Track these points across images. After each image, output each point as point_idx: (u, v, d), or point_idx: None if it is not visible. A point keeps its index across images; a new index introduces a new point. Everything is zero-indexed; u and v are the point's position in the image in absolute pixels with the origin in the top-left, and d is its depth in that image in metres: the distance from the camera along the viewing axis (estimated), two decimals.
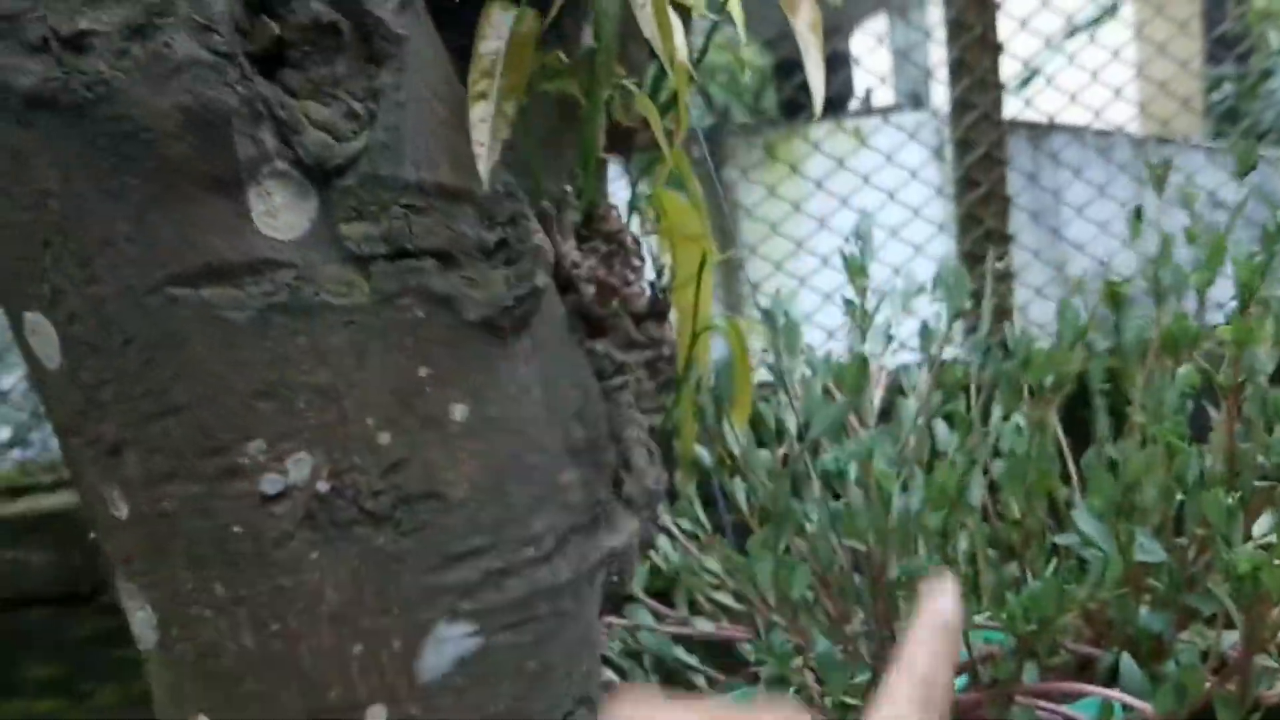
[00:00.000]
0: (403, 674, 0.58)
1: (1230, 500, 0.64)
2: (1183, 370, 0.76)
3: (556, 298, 0.66)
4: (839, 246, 0.93)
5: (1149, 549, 0.69)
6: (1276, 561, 0.57)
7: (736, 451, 0.83)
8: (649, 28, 0.59)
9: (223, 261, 0.54)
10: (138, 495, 0.57)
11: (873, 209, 1.93)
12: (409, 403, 0.58)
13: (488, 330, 0.60)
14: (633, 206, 0.80)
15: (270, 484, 0.56)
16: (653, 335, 0.69)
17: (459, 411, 0.60)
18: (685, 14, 0.70)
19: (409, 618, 0.58)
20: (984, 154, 1.99)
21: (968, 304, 0.86)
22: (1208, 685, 0.62)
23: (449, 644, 0.59)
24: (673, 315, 0.76)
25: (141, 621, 0.59)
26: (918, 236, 1.95)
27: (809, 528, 0.75)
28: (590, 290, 0.67)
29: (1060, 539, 0.78)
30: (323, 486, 0.57)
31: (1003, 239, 2.05)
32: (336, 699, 0.57)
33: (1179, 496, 0.72)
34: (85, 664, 1.73)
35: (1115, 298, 0.80)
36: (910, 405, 0.85)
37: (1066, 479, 0.86)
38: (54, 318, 0.56)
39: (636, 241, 0.71)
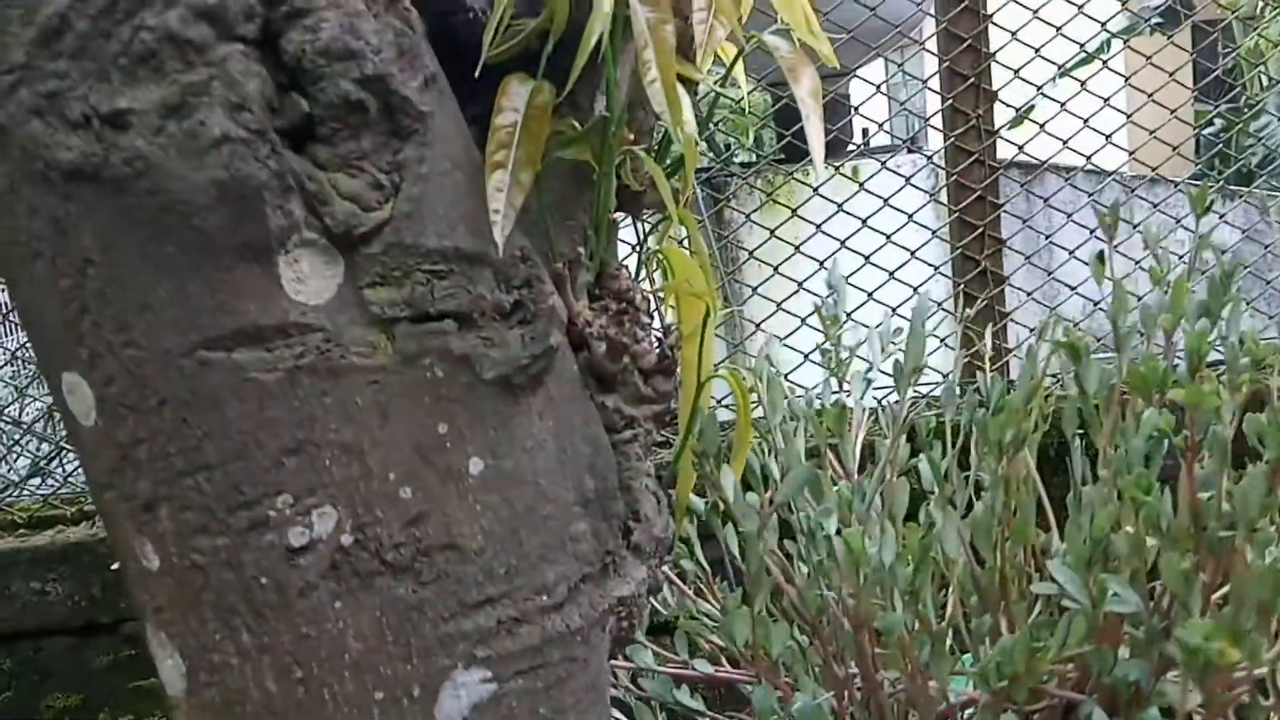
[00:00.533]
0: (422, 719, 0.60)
1: (1186, 564, 0.66)
2: (1147, 415, 0.79)
3: (570, 355, 0.69)
4: (815, 301, 0.96)
5: (1124, 599, 0.72)
6: (1223, 644, 0.58)
7: (730, 499, 0.85)
8: (659, 103, 0.62)
9: (254, 326, 0.57)
10: (169, 548, 0.59)
11: (870, 249, 1.96)
12: (429, 458, 0.61)
13: (504, 388, 0.63)
14: (640, 263, 0.83)
15: (296, 537, 0.59)
16: (660, 390, 0.72)
17: (476, 466, 0.62)
18: (691, 85, 0.74)
19: (428, 665, 0.60)
20: (977, 196, 2.02)
21: (926, 359, 0.89)
22: None
23: (465, 690, 0.61)
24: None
25: (170, 669, 0.61)
26: (915, 277, 1.98)
27: (796, 578, 0.78)
28: (601, 348, 0.70)
29: (1037, 588, 0.81)
30: (346, 539, 0.59)
31: (996, 279, 2.08)
32: None
33: (1150, 543, 0.75)
34: (104, 693, 1.76)
35: (1074, 350, 0.82)
36: (881, 456, 0.87)
37: (1045, 524, 0.88)
38: (91, 379, 0.58)
39: (645, 299, 0.74)
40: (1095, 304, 2.00)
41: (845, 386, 0.97)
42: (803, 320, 1.83)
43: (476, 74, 0.63)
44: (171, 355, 0.57)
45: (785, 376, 0.93)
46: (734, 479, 0.94)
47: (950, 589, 0.84)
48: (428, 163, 0.60)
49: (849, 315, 0.99)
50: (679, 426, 0.83)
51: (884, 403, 1.62)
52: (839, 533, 0.77)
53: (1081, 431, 0.88)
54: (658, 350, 0.72)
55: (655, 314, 0.77)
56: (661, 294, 0.81)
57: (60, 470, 2.03)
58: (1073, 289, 2.14)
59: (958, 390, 0.95)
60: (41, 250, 0.57)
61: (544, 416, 0.66)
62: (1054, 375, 0.92)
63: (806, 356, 1.80)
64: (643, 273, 0.83)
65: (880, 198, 1.99)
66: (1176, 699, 0.64)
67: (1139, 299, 0.92)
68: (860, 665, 0.78)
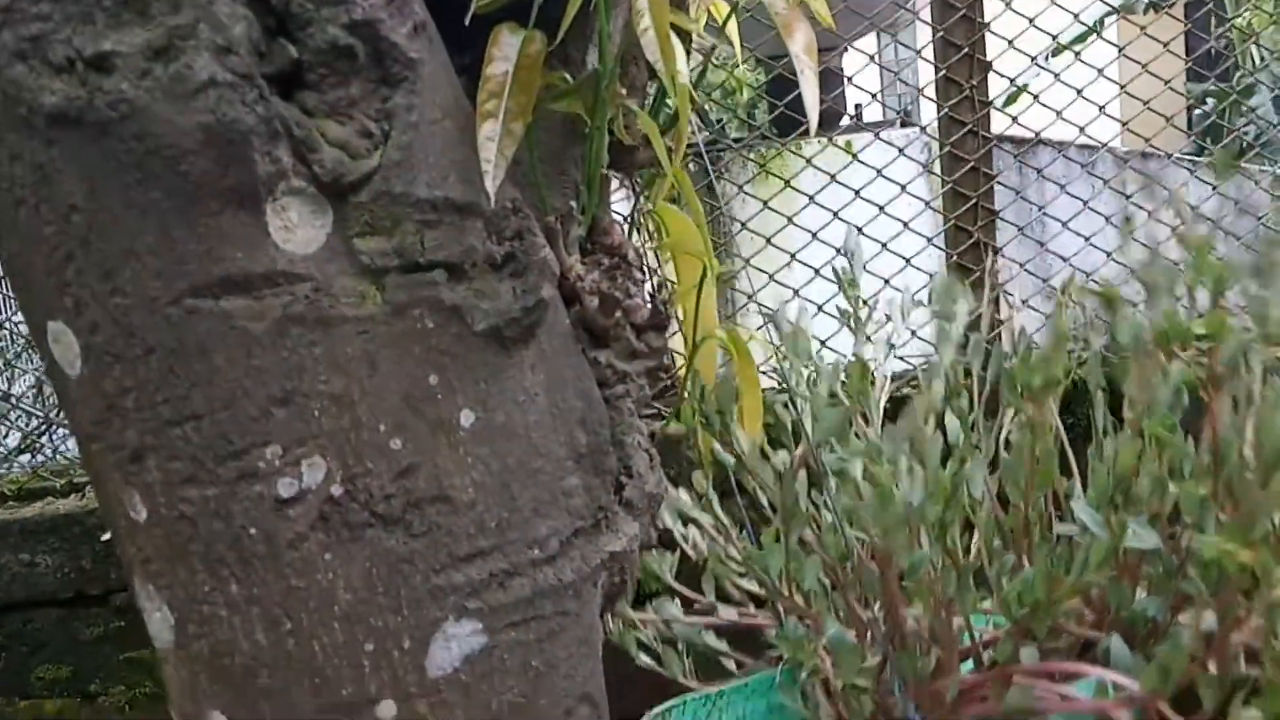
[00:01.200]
0: (412, 671, 0.60)
1: (1204, 490, 0.66)
2: (1175, 365, 0.79)
3: (562, 309, 0.68)
4: (829, 261, 0.95)
5: (1142, 535, 0.72)
6: (1240, 547, 0.59)
7: (744, 455, 0.85)
8: (653, 52, 0.61)
9: (242, 274, 0.56)
10: (157, 499, 0.59)
11: (863, 222, 1.96)
12: (419, 409, 0.60)
13: (495, 340, 0.63)
14: (634, 221, 0.83)
15: (285, 487, 0.58)
16: (653, 345, 0.72)
17: (467, 418, 0.62)
18: (685, 37, 0.73)
19: (418, 616, 0.60)
20: (971, 168, 2.02)
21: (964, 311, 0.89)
22: (1191, 665, 0.65)
23: (456, 642, 0.61)
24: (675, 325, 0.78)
25: (158, 621, 0.61)
26: (907, 249, 1.98)
27: (821, 523, 0.78)
28: (594, 302, 0.69)
29: (1060, 529, 0.81)
30: (336, 490, 0.59)
31: (990, 251, 2.08)
32: (348, 695, 0.59)
33: (1172, 488, 0.75)
34: (94, 664, 1.75)
35: (1110, 301, 0.82)
36: (915, 405, 0.87)
37: (1068, 472, 0.88)
38: (76, 327, 0.58)
39: (638, 255, 0.74)
40: (1087, 275, 2.00)
41: (869, 345, 0.97)
42: (816, 271, 1.82)
43: (466, 22, 0.62)
44: (158, 303, 0.56)
45: (805, 330, 0.93)
46: (751, 436, 0.94)
47: (975, 532, 0.84)
48: (417, 111, 0.59)
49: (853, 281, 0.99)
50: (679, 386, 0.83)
51: (907, 359, 1.62)
52: (866, 475, 0.77)
53: (1103, 384, 0.88)
54: (650, 305, 0.72)
55: (647, 270, 0.76)
56: (655, 252, 0.81)
57: (49, 443, 2.02)
58: (1065, 260, 2.13)
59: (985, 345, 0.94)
60: (24, 197, 0.57)
61: (536, 370, 0.65)
62: (1075, 333, 0.92)
63: (820, 307, 1.79)
64: (635, 235, 0.82)
65: (873, 168, 1.98)
66: (1190, 631, 0.64)
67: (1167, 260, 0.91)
68: (886, 603, 0.78)
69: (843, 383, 0.89)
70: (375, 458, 0.59)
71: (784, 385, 0.90)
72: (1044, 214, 2.11)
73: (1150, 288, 0.91)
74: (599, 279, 0.70)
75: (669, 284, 0.74)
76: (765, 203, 1.96)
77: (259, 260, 0.57)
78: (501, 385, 0.63)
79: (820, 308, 1.78)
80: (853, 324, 0.92)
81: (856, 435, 0.89)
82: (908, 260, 1.98)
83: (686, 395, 0.84)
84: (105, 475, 0.60)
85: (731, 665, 1.03)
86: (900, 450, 0.84)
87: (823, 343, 1.71)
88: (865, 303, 0.99)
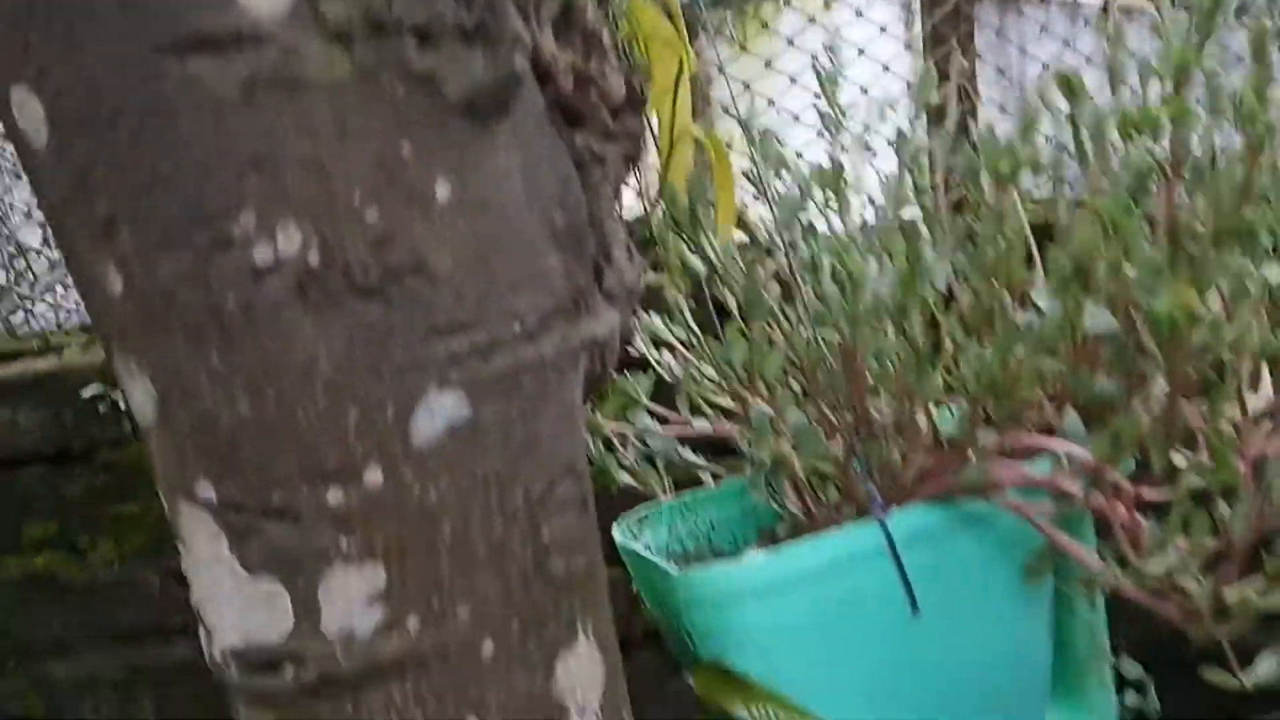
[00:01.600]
0: (398, 438, 0.60)
1: (1159, 258, 0.67)
2: (1134, 150, 0.79)
3: (535, 88, 0.67)
4: (811, 63, 0.94)
5: (1096, 315, 0.72)
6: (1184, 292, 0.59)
7: (716, 258, 0.85)
8: None
9: (208, 33, 0.55)
10: (133, 268, 0.58)
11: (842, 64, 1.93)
12: (394, 178, 0.60)
13: (468, 111, 0.62)
14: (608, 13, 0.81)
15: (261, 255, 0.58)
16: (629, 127, 0.71)
17: (442, 190, 0.61)
18: None
19: (401, 385, 0.60)
20: (952, 9, 1.99)
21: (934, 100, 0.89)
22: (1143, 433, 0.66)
23: (440, 411, 0.61)
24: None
25: (141, 396, 0.61)
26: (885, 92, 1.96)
27: (785, 323, 0.79)
28: (569, 81, 0.68)
29: (1019, 318, 0.82)
30: (313, 259, 0.58)
31: (970, 95, 2.06)
32: (334, 462, 0.60)
33: (1129, 270, 0.76)
34: (80, 520, 1.77)
35: (1070, 86, 0.82)
36: (884, 195, 0.88)
37: (1030, 264, 0.89)
38: (41, 92, 0.56)
39: (613, 37, 0.72)
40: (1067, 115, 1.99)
41: (843, 151, 0.96)
42: (793, 80, 1.80)
43: None
44: (123, 64, 0.55)
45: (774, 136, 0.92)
46: (724, 236, 0.94)
47: (940, 326, 0.85)
48: None
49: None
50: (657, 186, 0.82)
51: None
52: (835, 274, 0.77)
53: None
54: (625, 86, 0.71)
55: (623, 54, 0.75)
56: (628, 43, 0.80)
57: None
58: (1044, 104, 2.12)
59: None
60: None
61: (510, 147, 0.64)
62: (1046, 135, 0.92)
63: (797, 117, 1.77)
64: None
65: (856, 10, 1.95)
66: (1143, 407, 0.66)
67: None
68: (851, 395, 0.79)
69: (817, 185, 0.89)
70: (351, 227, 0.59)
71: (755, 188, 0.90)
72: (1024, 52, 2.09)
73: (1113, 75, 0.91)
74: (573, 58, 0.69)
75: (643, 65, 0.73)
76: (743, 46, 1.94)
77: (225, 20, 0.55)
78: (476, 159, 0.62)
79: (797, 117, 1.78)
80: (831, 128, 0.91)
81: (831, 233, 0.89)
82: (885, 103, 1.96)
83: (663, 196, 0.84)
84: (78, 249, 0.60)
85: (709, 479, 1.05)
86: (870, 243, 0.84)
87: (798, 154, 1.70)
88: (843, 112, 0.98)
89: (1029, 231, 0.85)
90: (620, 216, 0.74)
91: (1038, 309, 0.76)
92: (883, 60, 1.92)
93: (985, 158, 0.83)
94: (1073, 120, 0.83)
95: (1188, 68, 0.72)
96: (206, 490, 0.61)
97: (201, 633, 0.67)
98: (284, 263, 0.58)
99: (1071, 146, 0.94)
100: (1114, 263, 0.73)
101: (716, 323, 0.96)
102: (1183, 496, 0.68)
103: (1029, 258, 0.87)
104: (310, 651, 0.62)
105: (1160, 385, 0.63)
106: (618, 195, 0.72)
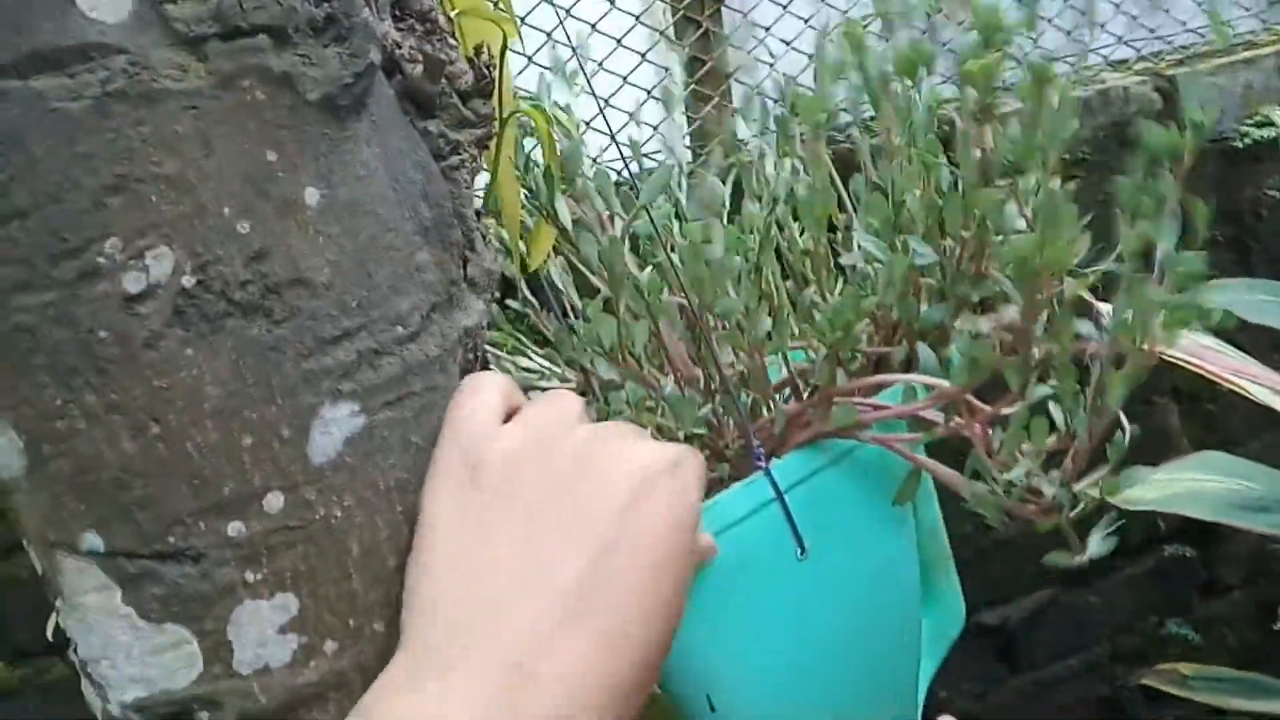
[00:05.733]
0: (296, 460, 0.58)
1: (1002, 196, 0.73)
2: (925, 89, 0.85)
3: (384, 79, 0.65)
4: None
5: (921, 252, 0.78)
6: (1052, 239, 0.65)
7: (568, 225, 0.85)
8: None
9: (51, 48, 0.51)
10: None
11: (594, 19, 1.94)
12: (263, 189, 0.57)
13: (329, 110, 0.59)
14: None
15: (133, 283, 0.54)
16: (480, 112, 0.70)
17: (312, 196, 0.59)
18: None
19: (294, 404, 0.58)
20: None
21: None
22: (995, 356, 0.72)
23: (335, 425, 0.59)
24: None
25: (5, 448, 0.56)
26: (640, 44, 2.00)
27: (642, 290, 0.80)
28: (417, 68, 0.66)
29: (845, 259, 0.87)
30: (188, 281, 0.55)
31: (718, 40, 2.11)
32: (232, 492, 0.57)
33: (940, 204, 0.81)
34: None
35: (854, 39, 0.86)
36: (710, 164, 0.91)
37: (843, 207, 0.94)
38: None
39: (449, 20, 0.71)
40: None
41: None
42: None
43: None
44: None
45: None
46: (535, 261, 0.94)
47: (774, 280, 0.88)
48: None
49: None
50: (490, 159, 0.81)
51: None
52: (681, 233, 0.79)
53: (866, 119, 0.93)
54: (473, 71, 0.69)
55: (459, 37, 0.73)
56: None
57: None
58: (788, 44, 2.20)
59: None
60: None
61: (371, 143, 0.62)
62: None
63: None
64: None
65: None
66: (978, 328, 0.71)
67: None
68: (706, 355, 0.81)
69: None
70: (224, 243, 0.56)
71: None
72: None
73: (887, 21, 0.97)
74: (416, 45, 0.67)
75: (485, 49, 0.71)
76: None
77: (68, 32, 0.51)
78: (341, 160, 0.60)
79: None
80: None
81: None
82: (643, 55, 1.99)
83: (496, 174, 0.83)
84: None
85: None
86: (706, 209, 0.87)
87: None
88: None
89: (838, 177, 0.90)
90: (477, 201, 0.72)
91: (858, 248, 0.81)
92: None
93: (803, 110, 0.86)
94: (862, 68, 0.88)
95: (994, 25, 0.77)
96: (92, 540, 0.57)
97: (88, 689, 0.62)
98: (157, 288, 0.54)
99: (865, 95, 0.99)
100: (928, 202, 0.79)
101: (551, 298, 0.96)
102: (1024, 408, 0.74)
103: (840, 203, 0.92)
104: (225, 693, 0.59)
105: (1011, 311, 0.68)
106: (473, 181, 0.71)
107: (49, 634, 0.63)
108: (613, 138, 1.07)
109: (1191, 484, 1.57)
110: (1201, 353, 1.54)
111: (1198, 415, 2.52)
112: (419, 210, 0.65)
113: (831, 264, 0.94)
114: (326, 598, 0.60)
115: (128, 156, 0.53)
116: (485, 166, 0.82)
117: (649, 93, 2.03)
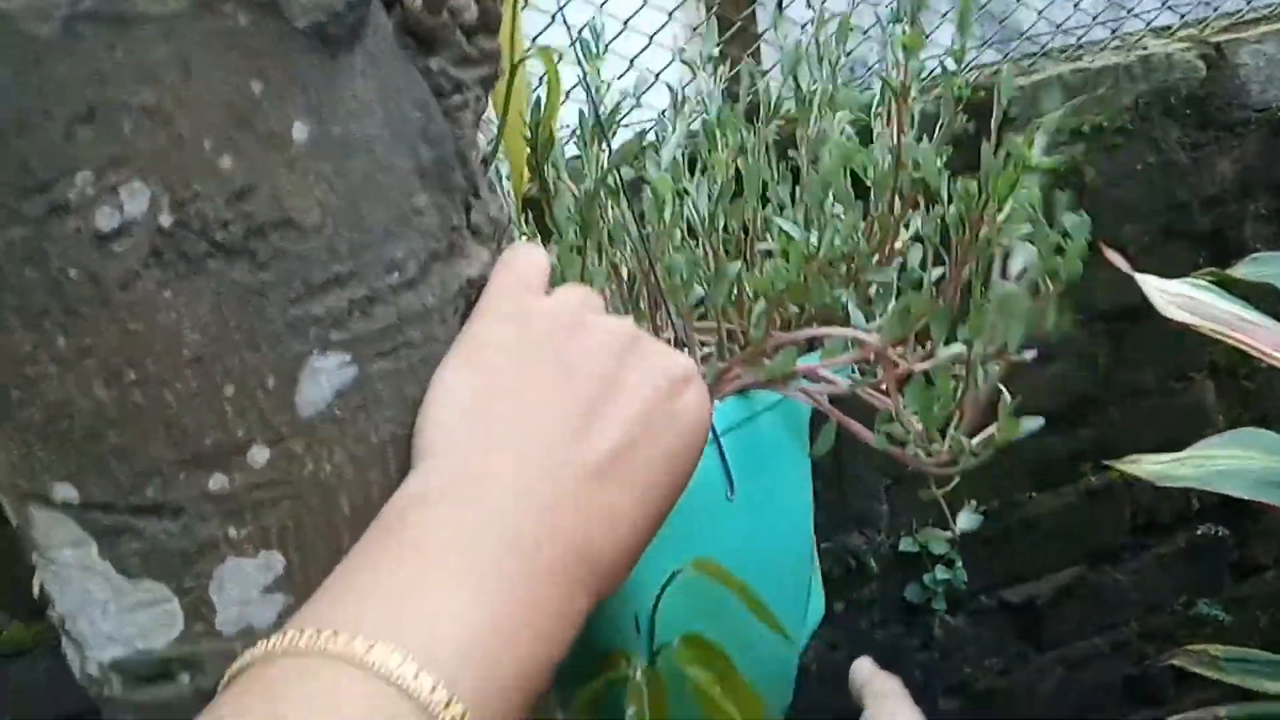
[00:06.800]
0: (282, 410, 0.55)
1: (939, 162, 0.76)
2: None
3: (383, 12, 0.61)
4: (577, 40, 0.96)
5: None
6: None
7: (553, 182, 0.84)
8: None
9: None
10: None
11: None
12: (246, 121, 0.53)
13: (319, 41, 0.55)
14: None
15: (105, 219, 0.50)
16: (485, 49, 0.66)
17: (300, 131, 0.55)
18: None
19: (280, 352, 0.55)
20: None
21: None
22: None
23: (325, 376, 0.56)
24: None
25: None
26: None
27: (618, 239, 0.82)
28: (417, 2, 0.62)
29: (763, 247, 0.91)
30: (165, 220, 0.52)
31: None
32: (213, 444, 0.54)
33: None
34: None
35: (842, 27, 0.88)
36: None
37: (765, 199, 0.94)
38: None
39: None
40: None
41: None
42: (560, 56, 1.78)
43: None
44: None
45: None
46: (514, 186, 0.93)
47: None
48: None
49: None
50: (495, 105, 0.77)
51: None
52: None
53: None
54: (477, 4, 0.65)
55: None
56: None
57: None
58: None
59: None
60: None
61: (367, 76, 0.58)
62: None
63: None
64: None
65: None
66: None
67: None
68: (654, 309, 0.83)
69: None
70: (205, 179, 0.52)
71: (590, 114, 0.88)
72: None
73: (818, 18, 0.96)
74: None
75: None
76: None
77: None
78: (333, 94, 0.56)
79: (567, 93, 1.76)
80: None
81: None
82: (650, 37, 1.95)
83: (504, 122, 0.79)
84: None
85: None
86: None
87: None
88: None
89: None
90: (482, 144, 0.69)
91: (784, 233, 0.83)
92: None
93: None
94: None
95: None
96: (66, 491, 0.54)
97: (67, 647, 0.60)
98: (133, 225, 0.51)
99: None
100: (846, 196, 0.81)
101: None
102: (942, 364, 0.73)
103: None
104: (206, 654, 0.56)
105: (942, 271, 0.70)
106: (477, 124, 0.67)
107: (35, 593, 0.60)
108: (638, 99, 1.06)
109: (1229, 461, 1.53)
110: (1242, 326, 1.49)
111: (1234, 392, 2.46)
112: (418, 150, 0.61)
113: (753, 247, 0.94)
114: (315, 557, 0.57)
115: (100, 82, 0.49)
116: (494, 115, 0.79)
117: (677, 56, 1.98)
